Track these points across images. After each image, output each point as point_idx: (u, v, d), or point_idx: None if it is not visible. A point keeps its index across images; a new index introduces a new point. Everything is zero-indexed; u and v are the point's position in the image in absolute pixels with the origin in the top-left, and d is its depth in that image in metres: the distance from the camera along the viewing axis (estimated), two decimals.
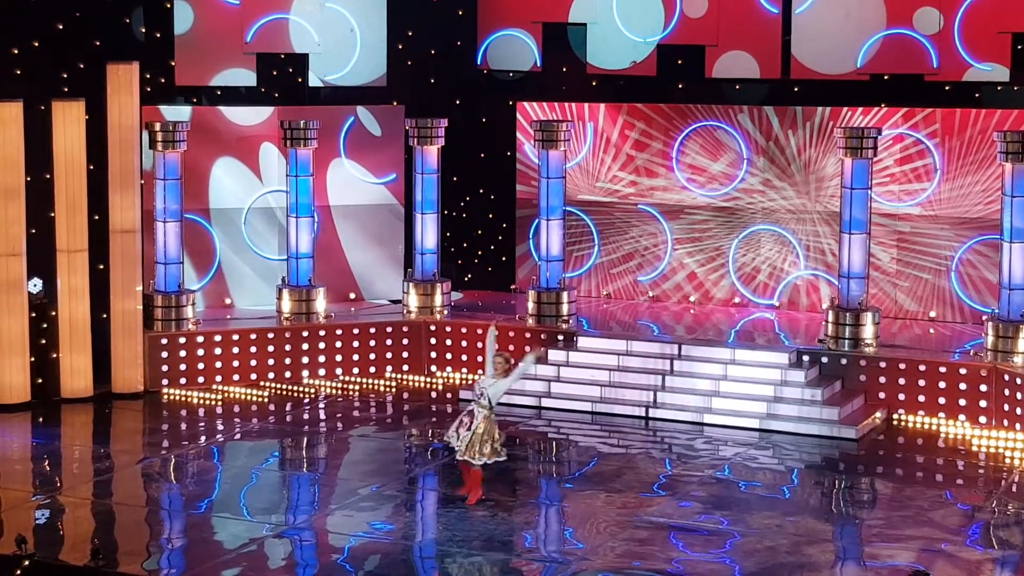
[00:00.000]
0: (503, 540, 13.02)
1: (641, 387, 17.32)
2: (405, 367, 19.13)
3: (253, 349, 18.49)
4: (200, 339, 18.32)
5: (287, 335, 18.68)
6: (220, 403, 17.93)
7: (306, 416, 17.55)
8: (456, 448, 13.86)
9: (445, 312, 19.40)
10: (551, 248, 19.14)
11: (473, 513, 13.63)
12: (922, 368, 16.92)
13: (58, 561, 12.47)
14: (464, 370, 18.91)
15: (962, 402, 16.69)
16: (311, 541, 13.28)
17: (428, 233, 19.57)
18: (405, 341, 19.07)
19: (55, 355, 17.64)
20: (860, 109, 19.17)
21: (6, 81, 17.58)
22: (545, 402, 17.55)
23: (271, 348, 18.56)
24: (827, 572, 12.48)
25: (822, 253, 19.67)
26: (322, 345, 18.78)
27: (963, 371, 16.73)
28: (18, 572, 12.10)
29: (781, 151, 19.80)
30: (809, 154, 19.65)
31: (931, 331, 18.67)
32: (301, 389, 18.51)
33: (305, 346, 18.71)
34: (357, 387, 18.70)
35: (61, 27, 18.12)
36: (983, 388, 16.60)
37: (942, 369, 16.83)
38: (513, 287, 21.15)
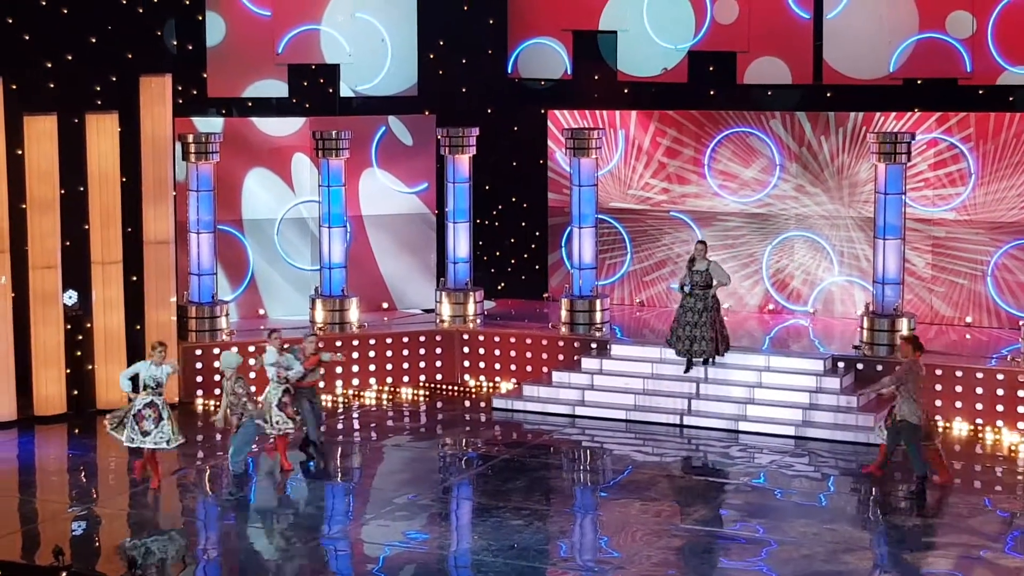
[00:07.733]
0: (538, 549, 12.99)
1: (675, 395, 17.26)
2: (438, 376, 19.13)
3: None
4: (234, 350, 18.31)
5: (320, 345, 18.66)
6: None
7: (340, 426, 17.56)
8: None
9: (478, 321, 19.39)
10: (583, 256, 19.10)
11: (508, 522, 13.60)
12: (959, 374, 16.80)
13: (95, 572, 12.52)
14: (497, 379, 18.89)
15: (999, 408, 16.56)
16: (346, 551, 13.28)
17: (460, 242, 19.57)
18: (438, 350, 19.06)
19: (90, 367, 17.72)
20: (893, 114, 19.06)
21: (40, 95, 17.69)
22: (579, 410, 17.51)
23: None
24: None
25: (856, 259, 19.57)
26: (355, 355, 18.79)
27: (1000, 376, 16.60)
28: None
29: (814, 157, 19.71)
30: (842, 159, 19.55)
31: (967, 336, 18.54)
32: (335, 399, 18.53)
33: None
34: (390, 396, 18.72)
35: (94, 40, 18.23)
36: (1021, 394, 16.46)
37: (979, 375, 16.70)
38: (546, 295, 21.12)
